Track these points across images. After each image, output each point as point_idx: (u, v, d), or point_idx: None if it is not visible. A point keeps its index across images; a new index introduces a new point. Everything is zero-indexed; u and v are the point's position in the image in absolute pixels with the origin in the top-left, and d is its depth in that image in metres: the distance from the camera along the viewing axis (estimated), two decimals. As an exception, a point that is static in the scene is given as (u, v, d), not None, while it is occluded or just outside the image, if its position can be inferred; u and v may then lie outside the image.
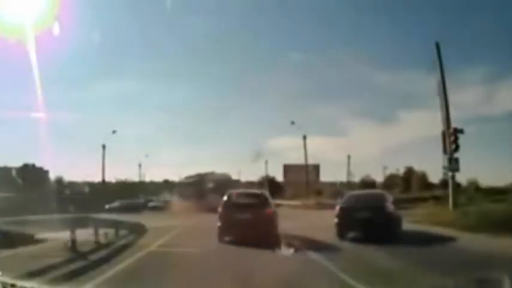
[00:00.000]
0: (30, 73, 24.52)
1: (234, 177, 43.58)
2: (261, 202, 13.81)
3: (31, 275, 6.53)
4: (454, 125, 23.06)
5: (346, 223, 13.71)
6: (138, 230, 16.05)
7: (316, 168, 37.62)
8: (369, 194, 16.91)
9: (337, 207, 14.51)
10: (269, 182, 36.82)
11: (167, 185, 61.02)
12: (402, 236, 13.61)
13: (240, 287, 6.98)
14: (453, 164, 22.47)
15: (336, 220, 14.04)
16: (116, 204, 41.82)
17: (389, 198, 15.29)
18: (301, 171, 35.20)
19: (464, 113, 58.31)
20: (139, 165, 58.28)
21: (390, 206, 14.30)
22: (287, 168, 37.63)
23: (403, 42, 48.68)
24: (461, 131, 22.80)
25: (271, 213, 13.59)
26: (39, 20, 21.30)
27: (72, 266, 8.15)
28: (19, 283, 4.05)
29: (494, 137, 58.98)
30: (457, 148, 22.40)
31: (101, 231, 12.51)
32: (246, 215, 13.03)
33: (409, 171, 57.18)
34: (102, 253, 10.15)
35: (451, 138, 22.41)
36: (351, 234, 13.74)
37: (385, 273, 7.89)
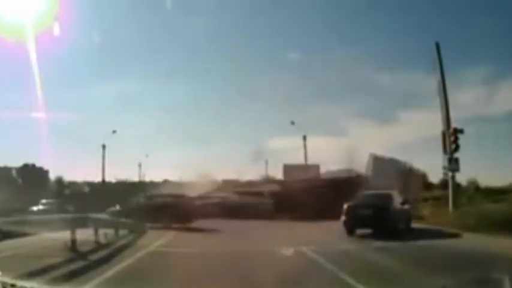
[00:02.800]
0: (30, 73, 24.61)
1: (232, 177, 42.99)
2: None
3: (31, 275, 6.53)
4: (454, 125, 23.08)
5: (352, 220, 14.95)
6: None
7: (317, 168, 37.50)
8: (376, 193, 17.31)
9: (345, 206, 15.45)
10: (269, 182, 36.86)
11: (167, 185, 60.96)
12: (408, 233, 14.46)
13: (239, 286, 6.99)
14: (453, 164, 22.45)
15: (343, 218, 15.16)
16: None
17: (397, 197, 16.41)
18: (302, 171, 35.20)
19: (464, 113, 58.10)
20: (139, 165, 58.18)
21: (396, 205, 15.49)
22: (287, 168, 37.50)
23: (403, 42, 48.51)
24: (461, 131, 22.75)
25: None
26: (39, 20, 21.37)
27: (72, 266, 8.15)
28: (19, 283, 4.02)
29: (494, 137, 58.76)
30: (457, 148, 22.35)
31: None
32: None
33: (409, 171, 56.97)
34: (102, 253, 10.17)
35: (451, 138, 22.37)
36: (358, 230, 14.86)
37: (386, 273, 7.90)
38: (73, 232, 10.43)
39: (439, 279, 6.71)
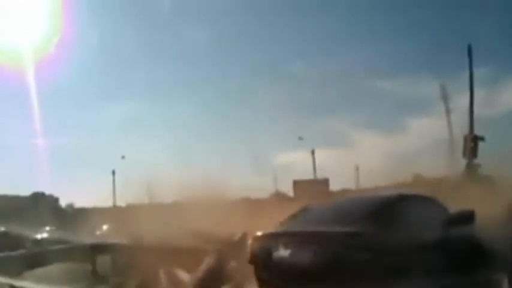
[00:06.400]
0: (32, 100, 25.15)
1: (241, 195, 42.67)
2: None
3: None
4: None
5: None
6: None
7: (326, 182, 37.59)
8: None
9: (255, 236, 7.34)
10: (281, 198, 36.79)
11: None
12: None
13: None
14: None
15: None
16: None
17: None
18: (311, 186, 35.28)
19: (465, 116, 57.68)
20: (148, 187, 58.30)
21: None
22: (297, 184, 37.61)
23: (405, 48, 48.74)
24: (482, 139, 22.33)
25: None
26: (40, 46, 21.92)
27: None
28: (18, 283, 3.96)
29: (496, 139, 58.38)
30: (474, 155, 21.98)
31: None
32: None
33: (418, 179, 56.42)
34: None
35: (471, 144, 22.03)
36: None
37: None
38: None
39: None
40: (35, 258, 10.67)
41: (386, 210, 6.40)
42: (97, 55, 43.45)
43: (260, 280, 6.19)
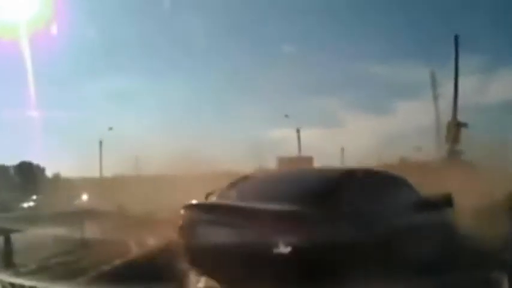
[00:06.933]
0: (25, 72, 24.91)
1: (227, 169, 42.97)
2: None
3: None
4: (449, 115, 23.30)
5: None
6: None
7: (310, 160, 37.88)
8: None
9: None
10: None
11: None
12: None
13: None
14: (452, 156, 22.47)
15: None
16: None
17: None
18: (295, 164, 35.58)
19: (459, 102, 58.09)
20: (136, 160, 58.34)
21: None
22: (281, 161, 37.89)
23: (397, 33, 48.66)
24: (464, 125, 22.64)
25: None
26: (34, 18, 21.58)
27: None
28: (18, 282, 3.95)
29: (485, 126, 58.94)
30: (456, 140, 22.29)
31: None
32: None
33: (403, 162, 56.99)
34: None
35: (454, 130, 22.32)
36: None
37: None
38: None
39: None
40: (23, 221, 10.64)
41: (340, 188, 5.07)
42: (92, 30, 42.75)
43: (187, 259, 5.14)
